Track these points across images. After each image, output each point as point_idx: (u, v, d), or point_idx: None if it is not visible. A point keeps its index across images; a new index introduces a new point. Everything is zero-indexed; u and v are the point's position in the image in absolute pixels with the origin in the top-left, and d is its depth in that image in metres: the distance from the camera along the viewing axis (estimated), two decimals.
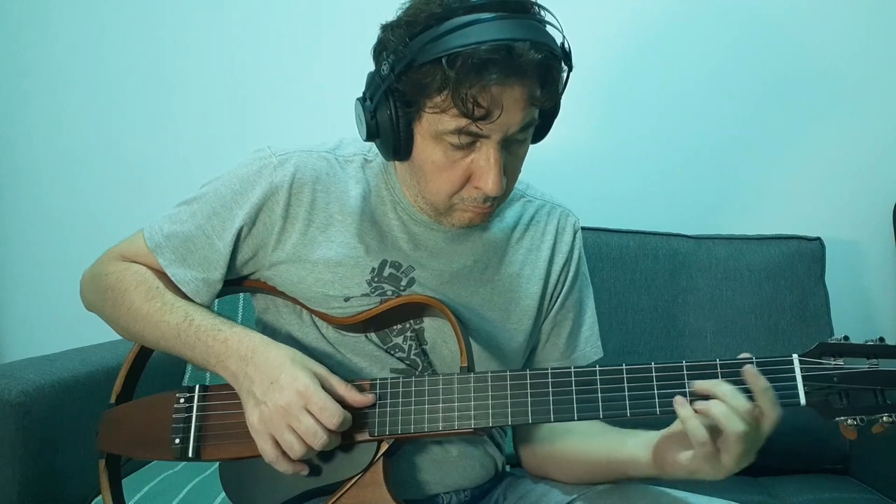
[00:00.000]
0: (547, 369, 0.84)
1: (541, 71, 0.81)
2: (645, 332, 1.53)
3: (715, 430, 0.75)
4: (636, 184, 1.75)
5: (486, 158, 0.85)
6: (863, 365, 0.76)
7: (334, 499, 0.86)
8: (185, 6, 1.81)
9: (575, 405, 0.82)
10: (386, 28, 0.86)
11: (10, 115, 1.85)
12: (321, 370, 0.86)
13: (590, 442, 0.95)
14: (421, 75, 0.81)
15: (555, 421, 0.82)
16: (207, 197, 0.96)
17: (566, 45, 0.86)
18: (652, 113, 1.74)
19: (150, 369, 1.05)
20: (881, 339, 0.77)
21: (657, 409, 0.79)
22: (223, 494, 0.95)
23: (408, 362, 0.96)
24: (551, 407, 0.82)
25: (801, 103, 1.70)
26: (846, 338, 0.78)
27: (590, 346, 1.05)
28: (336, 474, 0.88)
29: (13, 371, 1.19)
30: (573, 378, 0.82)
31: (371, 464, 0.87)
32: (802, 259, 1.55)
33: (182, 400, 0.93)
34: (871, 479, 1.43)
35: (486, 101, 0.80)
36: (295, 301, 0.97)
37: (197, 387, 0.94)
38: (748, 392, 0.75)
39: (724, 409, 0.74)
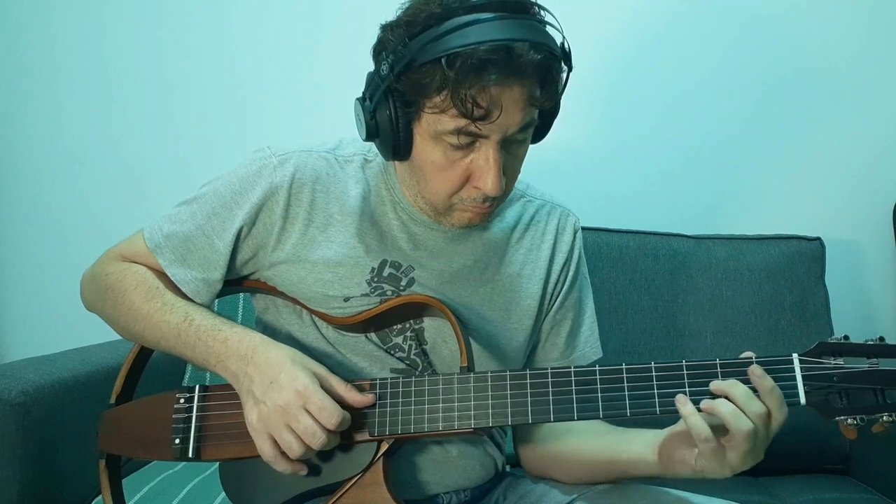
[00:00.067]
0: (547, 369, 0.84)
1: (540, 71, 0.81)
2: (645, 332, 1.53)
3: (720, 429, 0.75)
4: (636, 184, 1.75)
5: (485, 159, 0.85)
6: (863, 364, 0.76)
7: (334, 499, 0.86)
8: (185, 6, 1.81)
9: (575, 405, 0.82)
10: (385, 28, 0.86)
11: (10, 115, 1.85)
12: (321, 370, 0.86)
13: (590, 442, 0.94)
14: (420, 75, 0.81)
15: (555, 421, 0.82)
16: (207, 197, 0.96)
17: (566, 46, 0.86)
18: (652, 113, 1.74)
19: (150, 369, 1.05)
20: (881, 339, 0.77)
21: (657, 408, 0.79)
22: (223, 494, 0.95)
23: (408, 362, 0.96)
24: (551, 407, 0.82)
25: (801, 103, 1.71)
26: (846, 337, 0.78)
27: (589, 347, 1.05)
28: (336, 474, 0.88)
29: (13, 371, 1.19)
30: (573, 378, 0.82)
31: (371, 464, 0.87)
32: (802, 259, 1.55)
33: (182, 400, 0.93)
34: (871, 479, 1.43)
35: (485, 102, 0.80)
36: (295, 301, 0.97)
37: (197, 387, 0.94)
38: (755, 392, 0.75)
39: (731, 408, 0.74)
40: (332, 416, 0.81)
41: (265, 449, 0.83)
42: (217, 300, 1.01)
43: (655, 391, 0.79)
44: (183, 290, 0.95)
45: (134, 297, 0.94)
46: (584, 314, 1.06)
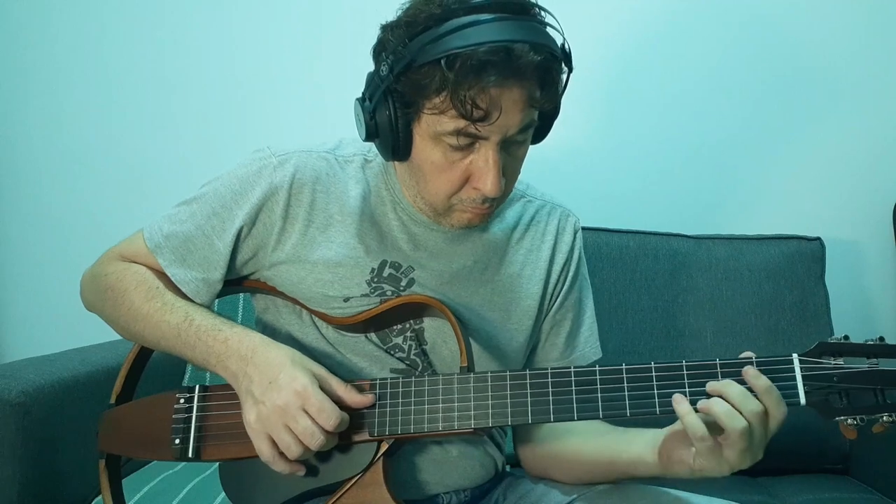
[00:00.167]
0: (547, 369, 0.84)
1: (540, 73, 0.81)
2: (645, 332, 1.53)
3: (717, 428, 0.75)
4: (636, 184, 1.75)
5: (484, 160, 0.85)
6: (863, 364, 0.76)
7: (334, 499, 0.86)
8: (185, 6, 1.81)
9: (575, 405, 0.82)
10: (386, 28, 0.86)
11: (10, 115, 1.85)
12: (321, 371, 0.86)
13: (590, 442, 0.94)
14: (420, 76, 0.81)
15: (555, 421, 0.82)
16: (207, 197, 0.96)
17: (566, 47, 0.86)
18: (652, 113, 1.74)
19: (150, 369, 1.05)
20: (881, 339, 0.77)
21: (657, 408, 0.79)
22: (223, 494, 0.95)
23: (408, 362, 0.96)
24: (551, 407, 0.82)
25: (801, 103, 1.71)
26: (846, 337, 0.78)
27: (589, 347, 1.05)
28: (336, 474, 0.88)
29: (13, 371, 1.19)
30: (573, 378, 0.82)
31: (371, 464, 0.87)
32: (802, 259, 1.55)
33: (182, 400, 0.93)
34: (871, 479, 1.43)
35: (484, 103, 0.80)
36: (295, 301, 0.97)
37: (197, 387, 0.94)
38: (752, 392, 0.75)
39: (725, 406, 0.74)
40: (331, 417, 0.81)
41: (263, 449, 0.83)
42: (217, 300, 1.00)
43: (655, 391, 0.79)
44: (183, 290, 0.95)
45: (134, 297, 0.94)
46: (583, 314, 1.06)
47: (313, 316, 0.97)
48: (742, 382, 0.76)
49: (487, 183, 0.85)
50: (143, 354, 1.03)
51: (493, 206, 0.91)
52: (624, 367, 0.81)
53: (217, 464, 0.98)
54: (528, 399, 0.83)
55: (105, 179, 1.83)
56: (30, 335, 1.86)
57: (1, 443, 1.12)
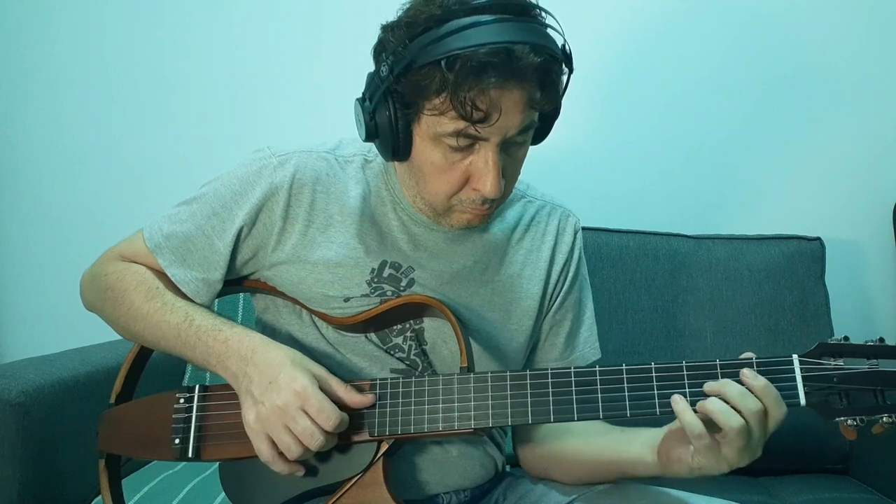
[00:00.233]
0: (547, 370, 0.84)
1: (540, 74, 0.81)
2: (645, 332, 1.53)
3: (716, 426, 0.75)
4: (636, 184, 1.75)
5: (484, 161, 0.85)
6: (863, 365, 0.76)
7: (334, 499, 0.86)
8: (185, 6, 1.81)
9: (575, 405, 0.82)
10: (386, 29, 0.86)
11: (10, 115, 1.85)
12: (321, 371, 0.86)
13: (590, 442, 0.95)
14: (420, 77, 0.81)
15: (555, 421, 0.82)
16: (207, 197, 0.96)
17: (567, 48, 0.86)
18: (652, 113, 1.74)
19: (150, 369, 1.05)
20: (881, 340, 0.77)
21: (657, 409, 0.79)
22: (223, 494, 0.95)
23: (408, 362, 0.96)
24: (551, 407, 0.82)
25: (801, 103, 1.70)
26: (846, 338, 0.78)
27: (588, 348, 1.05)
28: (336, 474, 0.88)
29: (13, 371, 1.19)
30: (573, 378, 0.82)
31: (371, 464, 0.87)
32: (802, 259, 1.55)
33: (182, 400, 0.93)
34: (871, 479, 1.43)
35: (484, 105, 0.80)
36: (295, 301, 0.97)
37: (197, 387, 0.94)
38: (751, 392, 0.75)
39: (722, 405, 0.74)
40: (331, 417, 0.81)
41: (263, 449, 0.83)
42: (217, 300, 1.01)
43: (655, 392, 0.79)
44: (183, 290, 0.95)
45: (134, 297, 0.94)
46: (583, 315, 1.06)
47: (313, 316, 0.97)
48: (741, 383, 0.76)
49: (487, 184, 0.85)
50: (143, 354, 1.03)
51: (493, 206, 0.91)
52: (624, 367, 0.81)
53: (217, 464, 0.98)
54: (529, 399, 0.83)
55: (105, 179, 1.83)
56: (30, 335, 1.86)
57: (1, 443, 1.12)
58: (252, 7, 1.79)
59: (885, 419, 0.75)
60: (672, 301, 1.54)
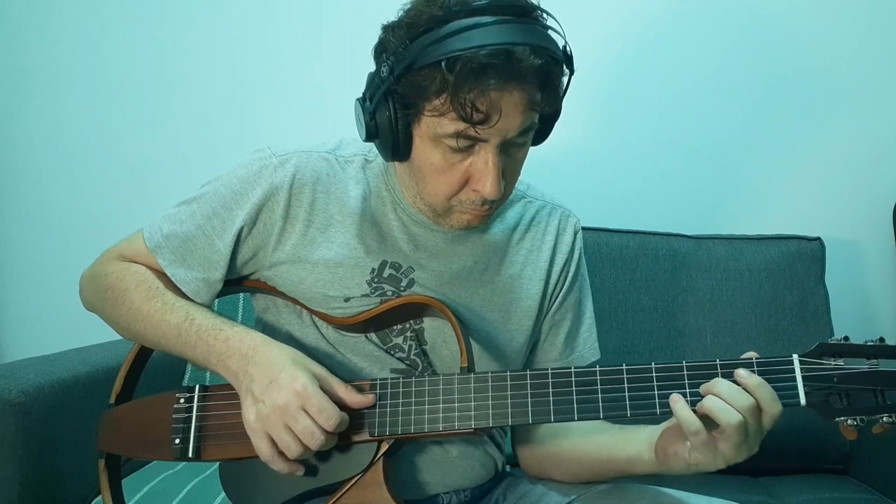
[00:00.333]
0: (547, 370, 0.84)
1: (540, 76, 0.81)
2: (645, 332, 1.53)
3: (712, 423, 0.76)
4: (636, 184, 1.75)
5: (484, 162, 0.85)
6: (863, 365, 0.76)
7: (334, 499, 0.86)
8: (185, 6, 1.81)
9: (575, 405, 0.82)
10: (387, 29, 0.86)
11: (10, 115, 1.85)
12: (321, 371, 0.86)
13: (589, 441, 0.95)
14: (420, 78, 0.81)
15: (555, 421, 0.82)
16: (207, 197, 0.96)
17: (567, 49, 0.86)
18: (652, 113, 1.74)
19: (150, 369, 1.05)
20: (881, 340, 0.77)
21: (657, 409, 0.79)
22: (223, 494, 0.95)
23: (408, 362, 0.96)
24: (551, 407, 0.82)
25: (802, 104, 1.70)
26: (846, 338, 0.78)
27: (588, 348, 1.06)
28: (336, 474, 0.88)
29: (13, 371, 1.19)
30: (573, 378, 0.82)
31: (371, 464, 0.87)
32: (802, 259, 1.55)
33: (182, 400, 0.93)
34: (871, 479, 1.43)
35: (484, 106, 0.80)
36: (295, 301, 0.97)
37: (197, 387, 0.94)
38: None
39: (718, 402, 0.75)
40: (331, 417, 0.81)
41: (263, 448, 0.83)
42: (217, 300, 1.00)
43: (656, 392, 0.80)
44: (183, 290, 0.95)
45: (134, 297, 0.94)
46: (583, 315, 1.06)
47: (313, 316, 0.97)
48: (736, 383, 0.76)
49: (487, 185, 0.85)
50: (143, 354, 1.03)
51: (493, 207, 0.91)
52: (624, 367, 0.81)
53: (217, 464, 0.98)
54: (529, 399, 0.83)
55: (105, 179, 1.83)
56: (30, 335, 1.86)
57: (1, 443, 1.12)
58: (252, 7, 1.79)
59: (885, 419, 0.75)
60: (672, 301, 1.54)
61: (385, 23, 0.87)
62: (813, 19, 1.69)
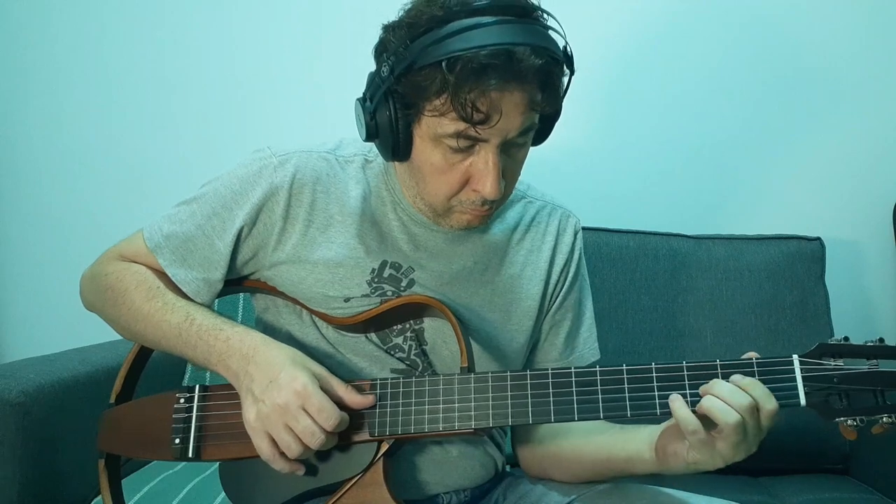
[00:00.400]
0: (547, 370, 0.84)
1: (541, 76, 0.81)
2: (645, 332, 1.53)
3: (711, 422, 0.76)
4: (636, 184, 1.75)
5: (484, 162, 0.85)
6: (863, 366, 0.76)
7: (334, 499, 0.86)
8: (185, 6, 1.80)
9: (575, 406, 0.82)
10: (387, 29, 0.86)
11: (10, 115, 1.85)
12: (321, 371, 0.86)
13: (589, 441, 0.95)
14: (421, 78, 0.81)
15: (555, 421, 0.82)
16: (207, 197, 0.96)
17: (568, 50, 0.86)
18: (652, 113, 1.74)
19: (150, 369, 1.05)
20: (881, 340, 0.77)
21: (657, 409, 0.79)
22: (223, 494, 0.95)
23: (408, 362, 0.96)
24: (552, 407, 0.82)
25: (802, 104, 1.70)
26: (846, 338, 0.78)
27: (588, 348, 1.06)
28: (336, 474, 0.88)
29: (13, 371, 1.19)
30: (573, 378, 0.82)
31: (371, 464, 0.87)
32: (802, 259, 1.55)
33: (182, 400, 0.93)
34: (871, 479, 1.43)
35: (485, 106, 0.80)
36: (295, 301, 0.97)
37: (197, 387, 0.94)
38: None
39: (717, 402, 0.75)
40: (331, 417, 0.81)
41: (263, 448, 0.83)
42: (217, 300, 1.00)
43: (656, 392, 0.80)
44: (183, 289, 0.95)
45: (134, 297, 0.94)
46: (583, 315, 1.06)
47: (313, 316, 0.97)
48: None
49: (487, 185, 0.85)
50: (143, 354, 1.03)
51: (493, 208, 0.91)
52: (624, 367, 0.81)
53: (217, 464, 0.98)
54: (529, 399, 0.83)
55: (105, 179, 1.83)
56: (30, 335, 1.86)
57: (1, 443, 1.12)
58: (252, 7, 1.79)
59: (884, 419, 0.75)
60: (672, 301, 1.54)
61: (385, 23, 0.87)
62: (813, 19, 1.69)
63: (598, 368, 0.82)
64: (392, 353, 0.96)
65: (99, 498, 1.03)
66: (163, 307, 0.92)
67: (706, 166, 1.73)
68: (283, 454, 0.83)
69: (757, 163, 1.72)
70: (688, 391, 0.79)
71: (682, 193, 1.74)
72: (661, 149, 1.74)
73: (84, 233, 1.81)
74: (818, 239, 1.57)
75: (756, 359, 0.79)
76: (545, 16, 0.85)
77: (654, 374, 0.80)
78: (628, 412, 0.80)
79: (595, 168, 1.75)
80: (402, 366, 0.96)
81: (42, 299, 1.86)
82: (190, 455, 0.90)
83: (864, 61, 1.68)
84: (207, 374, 1.21)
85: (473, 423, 0.84)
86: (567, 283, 1.04)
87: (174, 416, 0.92)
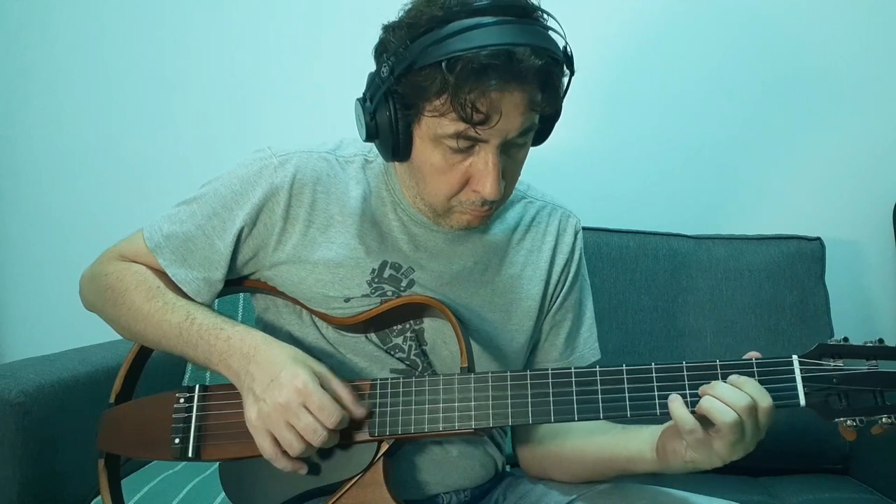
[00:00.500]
0: (547, 370, 0.84)
1: (541, 76, 0.81)
2: (645, 332, 1.53)
3: (710, 422, 0.76)
4: (636, 184, 1.75)
5: (484, 162, 0.85)
6: (862, 366, 0.77)
7: (334, 499, 0.86)
8: (185, 6, 1.80)
9: (575, 406, 0.82)
10: (387, 29, 0.86)
11: (10, 115, 1.85)
12: (322, 369, 0.86)
13: (589, 441, 0.95)
14: (421, 78, 0.81)
15: (555, 421, 0.82)
16: (207, 197, 0.96)
17: (568, 50, 0.86)
18: (652, 113, 1.74)
19: (150, 369, 1.05)
20: (880, 341, 0.77)
21: (657, 410, 0.79)
22: (223, 494, 0.95)
23: (408, 363, 0.96)
24: (552, 408, 0.82)
25: (802, 104, 1.70)
26: (846, 339, 0.78)
27: (588, 348, 1.06)
28: (336, 474, 0.88)
29: (13, 371, 1.19)
30: (573, 378, 0.82)
31: (371, 464, 0.87)
32: (802, 259, 1.55)
33: (182, 400, 0.93)
34: (871, 479, 1.43)
35: (484, 107, 0.80)
36: (295, 301, 0.97)
37: (197, 387, 0.94)
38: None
39: (715, 402, 0.75)
40: (332, 414, 0.81)
41: (265, 446, 0.83)
42: (217, 300, 1.00)
43: (656, 392, 0.80)
44: (184, 289, 0.95)
45: (135, 297, 0.94)
46: (583, 315, 1.06)
47: (313, 316, 0.97)
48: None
49: (487, 185, 0.85)
50: (143, 354, 1.03)
51: (493, 208, 0.91)
52: (624, 368, 0.81)
53: (217, 464, 0.98)
54: (529, 399, 0.83)
55: (105, 179, 1.83)
56: (30, 335, 1.86)
57: (1, 443, 1.12)
58: (252, 7, 1.79)
59: (884, 420, 0.75)
60: (672, 301, 1.54)
61: (385, 23, 0.87)
62: (813, 19, 1.69)
63: (597, 369, 0.82)
64: (392, 353, 0.96)
65: (99, 498, 1.03)
66: (163, 307, 0.92)
67: (706, 166, 1.73)
68: (285, 453, 0.83)
69: (757, 163, 1.72)
70: (687, 391, 0.79)
71: (682, 193, 1.74)
72: (661, 149, 1.74)
73: (84, 233, 1.81)
74: (818, 239, 1.57)
75: (756, 359, 0.79)
76: (545, 16, 0.85)
77: (653, 375, 0.80)
78: (628, 412, 0.80)
79: (595, 168, 1.75)
80: (401, 366, 0.96)
81: (42, 299, 1.86)
82: (190, 455, 0.90)
83: (864, 61, 1.68)
84: (207, 374, 1.21)
85: (473, 423, 0.84)
86: (567, 283, 1.04)
87: (174, 415, 0.92)
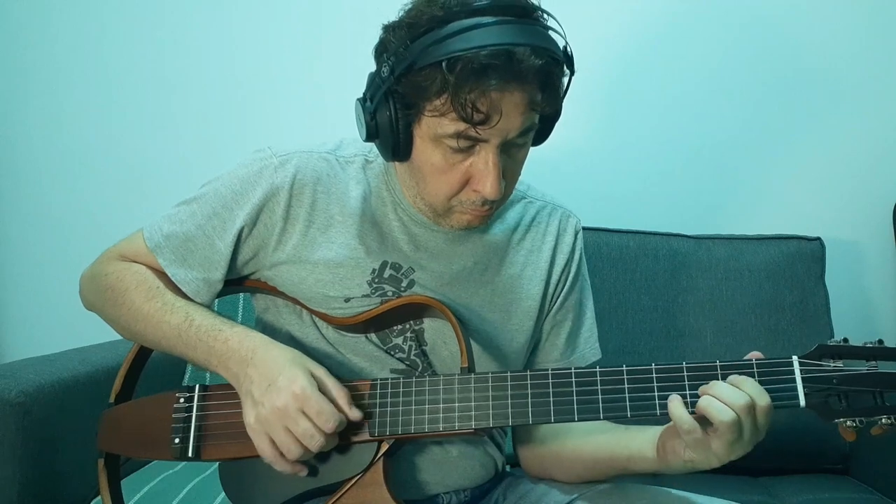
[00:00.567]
0: (547, 370, 0.84)
1: (541, 76, 0.81)
2: (645, 332, 1.53)
3: (708, 423, 0.76)
4: (636, 184, 1.75)
5: (484, 162, 0.85)
6: (862, 367, 0.77)
7: (334, 499, 0.86)
8: (185, 6, 1.80)
9: (575, 406, 0.82)
10: (387, 29, 0.86)
11: (10, 115, 1.85)
12: (320, 372, 0.86)
13: (590, 441, 0.95)
14: (421, 78, 0.81)
15: (555, 422, 0.82)
16: (207, 197, 0.96)
17: (568, 50, 0.86)
18: (652, 113, 1.74)
19: (150, 369, 1.05)
20: (880, 342, 0.78)
21: (657, 410, 0.79)
22: (223, 494, 0.95)
23: (408, 363, 0.96)
24: (552, 408, 0.82)
25: (802, 104, 1.70)
26: (846, 340, 0.78)
27: (588, 348, 1.06)
28: (336, 474, 0.88)
29: (13, 371, 1.19)
30: (573, 379, 0.82)
31: (371, 464, 0.87)
32: (802, 259, 1.55)
33: (182, 400, 0.93)
34: (871, 479, 1.43)
35: (485, 106, 0.80)
36: (295, 301, 0.97)
37: (197, 387, 0.94)
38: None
39: (713, 401, 0.75)
40: (330, 419, 0.81)
41: (264, 449, 0.84)
42: (217, 300, 1.01)
43: (656, 393, 0.80)
44: (183, 290, 0.95)
45: (134, 297, 0.94)
46: (584, 315, 1.06)
47: (313, 316, 0.97)
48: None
49: (487, 185, 0.85)
50: (143, 354, 1.03)
51: (493, 208, 0.91)
52: (625, 368, 0.81)
53: (217, 464, 0.98)
54: (529, 400, 0.83)
55: (105, 179, 1.83)
56: (30, 335, 1.86)
57: (1, 443, 1.12)
58: (252, 7, 1.79)
59: (884, 420, 0.75)
60: (672, 301, 1.54)
61: (386, 23, 0.87)
62: (813, 19, 1.69)
63: (598, 369, 0.82)
64: (392, 353, 0.96)
65: (99, 498, 1.03)
66: (162, 307, 0.92)
67: (706, 166, 1.73)
68: (284, 455, 0.83)
69: (757, 163, 1.72)
70: (688, 392, 0.79)
71: (682, 193, 1.74)
72: (661, 149, 1.74)
73: (84, 233, 1.81)
74: (818, 239, 1.57)
75: (756, 360, 0.79)
76: (545, 16, 0.85)
77: (654, 375, 0.80)
78: (628, 413, 0.80)
79: (595, 168, 1.75)
80: (401, 366, 0.96)
81: (42, 299, 1.86)
82: (190, 455, 0.90)
83: (864, 61, 1.68)
84: (207, 374, 1.21)
85: (473, 423, 0.84)
86: (568, 283, 1.04)
87: (174, 415, 0.92)
